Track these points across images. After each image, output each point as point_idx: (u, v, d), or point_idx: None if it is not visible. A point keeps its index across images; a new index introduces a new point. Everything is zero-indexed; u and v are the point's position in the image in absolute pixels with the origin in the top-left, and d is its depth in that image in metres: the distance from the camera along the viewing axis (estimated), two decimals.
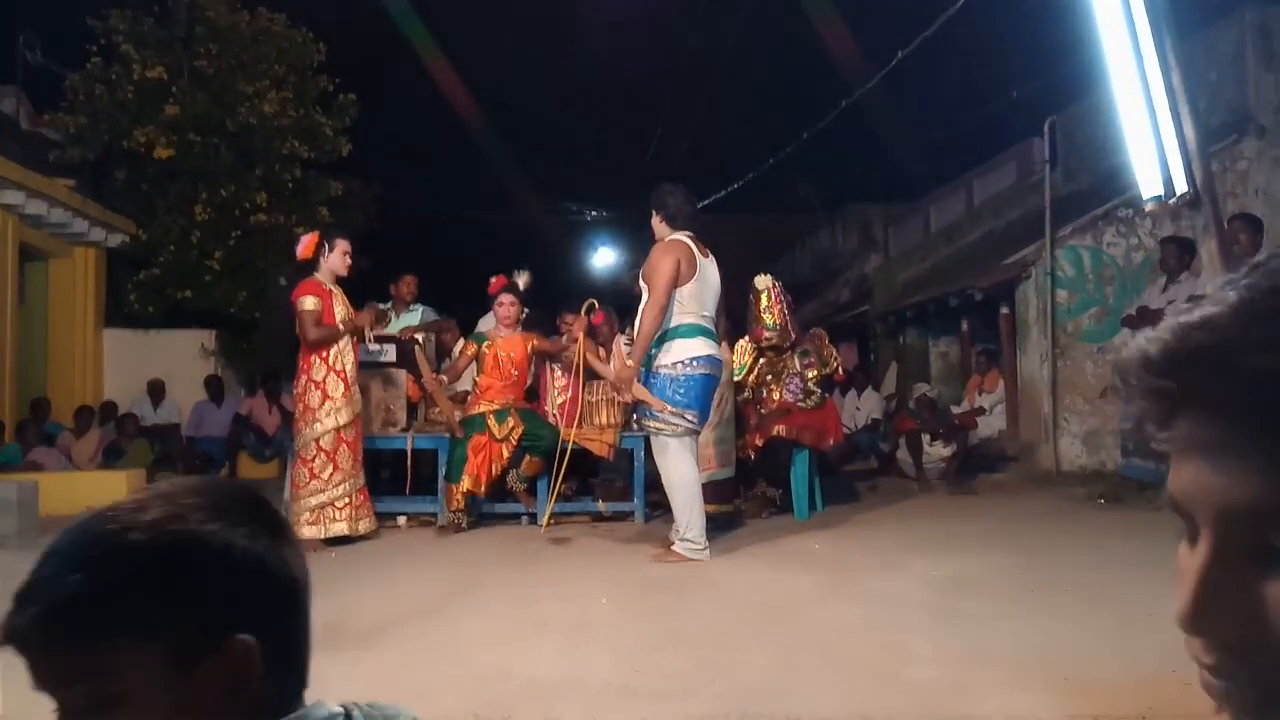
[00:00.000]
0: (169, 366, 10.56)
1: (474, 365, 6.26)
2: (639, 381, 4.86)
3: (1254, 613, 0.42)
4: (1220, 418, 0.42)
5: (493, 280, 6.35)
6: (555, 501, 6.07)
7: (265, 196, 11.11)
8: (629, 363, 4.89)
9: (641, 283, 4.84)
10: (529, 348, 6.26)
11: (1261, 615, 0.41)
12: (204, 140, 10.91)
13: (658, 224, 4.94)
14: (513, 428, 5.98)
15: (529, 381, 6.46)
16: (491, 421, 5.97)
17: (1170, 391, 0.44)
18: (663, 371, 4.74)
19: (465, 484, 5.86)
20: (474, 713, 2.50)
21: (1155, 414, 0.45)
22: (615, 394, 6.38)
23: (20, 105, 10.38)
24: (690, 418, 4.73)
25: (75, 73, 10.69)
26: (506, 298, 6.22)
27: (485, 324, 6.89)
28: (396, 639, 3.34)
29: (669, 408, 4.69)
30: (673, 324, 4.74)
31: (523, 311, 6.32)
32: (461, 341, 6.60)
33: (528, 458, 6.06)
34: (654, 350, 4.77)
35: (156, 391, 10.35)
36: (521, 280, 6.41)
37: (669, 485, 4.82)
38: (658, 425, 4.76)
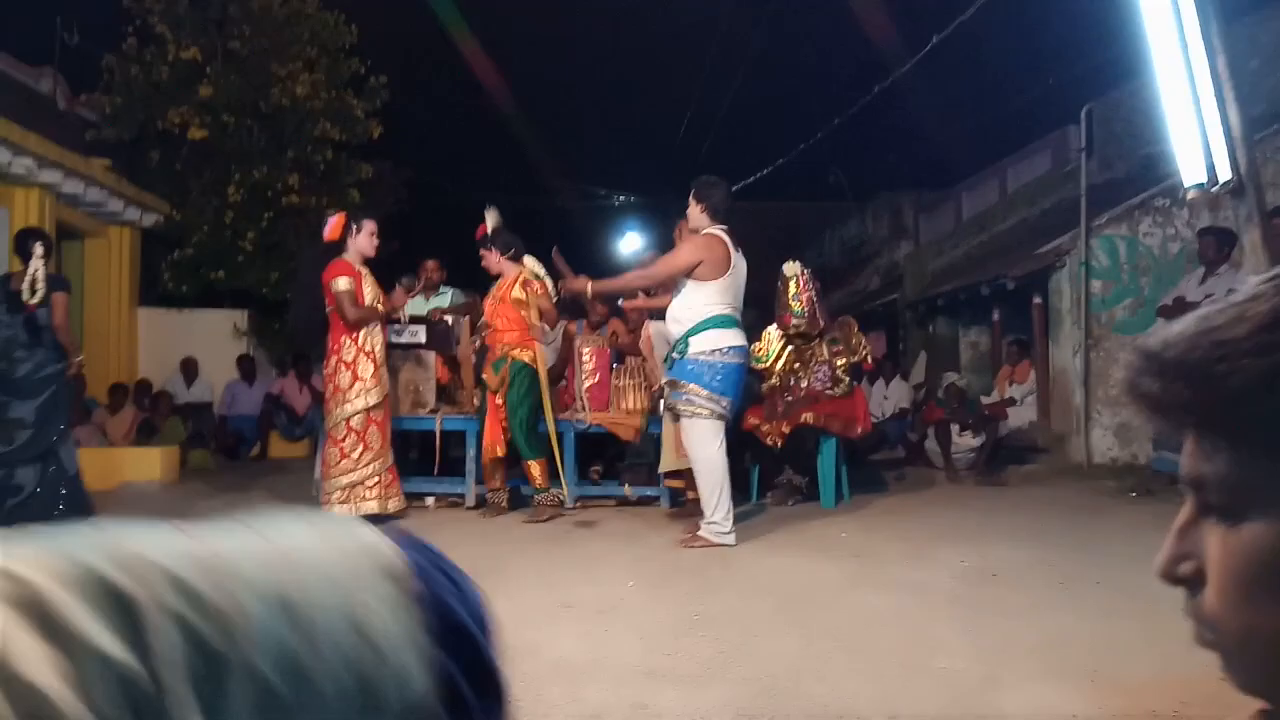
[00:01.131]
0: (202, 345, 10.68)
1: None
2: (670, 370, 4.99)
3: (1200, 553, 0.53)
4: (1164, 413, 0.52)
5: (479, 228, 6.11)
6: (580, 485, 6.10)
7: (297, 178, 11.20)
8: (589, 285, 5.34)
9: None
10: (514, 286, 5.85)
11: (1204, 554, 0.52)
12: (237, 121, 11.00)
13: (697, 213, 5.01)
14: (503, 379, 5.80)
15: (522, 320, 5.90)
16: (489, 373, 5.91)
17: (1140, 390, 0.53)
18: (701, 358, 4.81)
19: (493, 451, 5.86)
20: None
21: (1144, 410, 0.54)
22: (645, 378, 6.40)
23: (57, 85, 10.48)
24: (724, 404, 4.81)
25: (111, 53, 10.80)
26: (482, 252, 6.02)
27: None
28: None
29: (702, 390, 4.76)
30: (708, 315, 4.83)
31: (500, 255, 5.91)
32: None
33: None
34: (689, 338, 4.84)
35: (189, 370, 10.49)
36: (490, 219, 6.05)
37: (697, 468, 4.89)
38: (692, 408, 4.80)
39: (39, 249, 5.29)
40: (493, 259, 5.94)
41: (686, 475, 5.88)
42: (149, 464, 7.59)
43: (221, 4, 11.08)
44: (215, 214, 10.96)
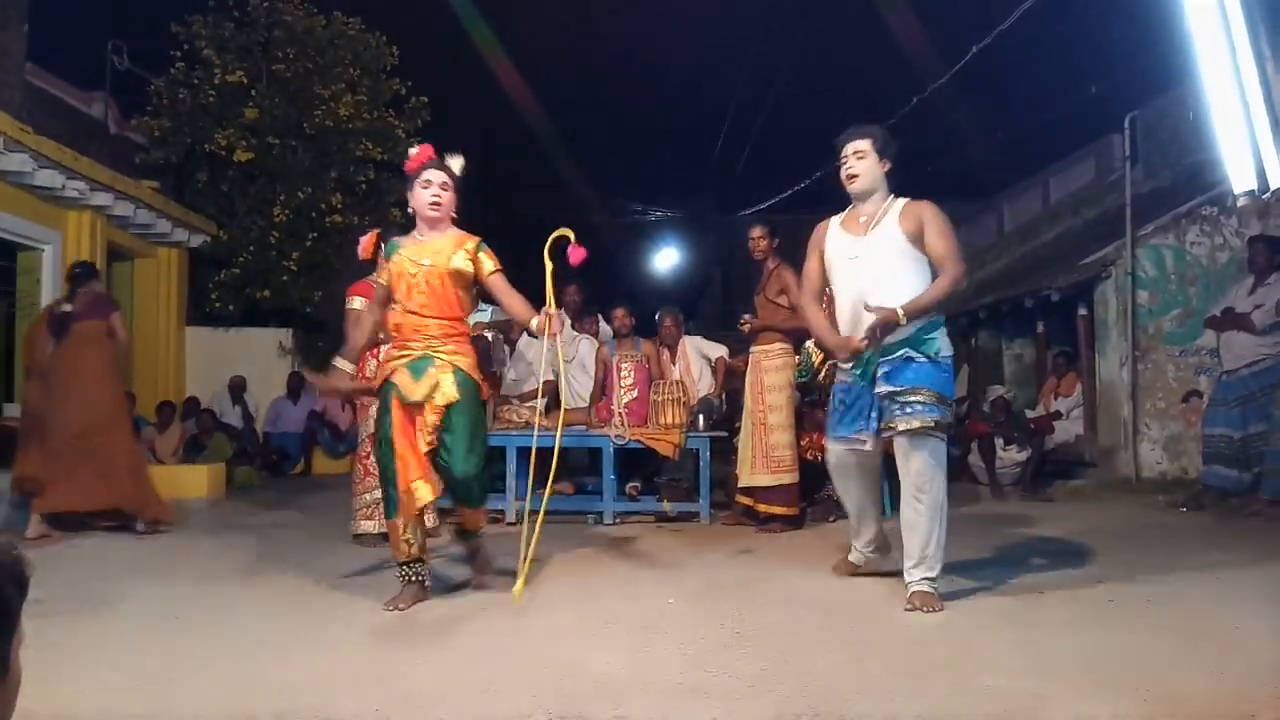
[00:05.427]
0: (248, 364, 10.87)
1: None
2: (898, 377, 3.62)
3: None
4: None
5: (411, 154, 4.07)
6: (618, 501, 6.10)
7: (340, 198, 11.36)
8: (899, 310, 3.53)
9: (907, 240, 3.70)
10: (458, 252, 3.94)
11: None
12: (282, 143, 11.20)
13: (883, 172, 3.88)
14: (434, 385, 3.77)
15: (466, 313, 4.13)
16: (404, 378, 3.81)
17: None
18: (947, 360, 3.65)
19: (421, 495, 3.72)
20: (545, 708, 2.51)
21: None
22: (680, 393, 6.38)
23: (109, 110, 10.76)
24: None
25: (160, 78, 11.06)
26: (436, 175, 3.94)
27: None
28: (465, 634, 3.39)
29: (950, 401, 3.69)
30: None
31: (454, 202, 4.05)
32: None
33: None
34: (936, 333, 3.64)
35: (236, 388, 10.66)
36: (455, 164, 4.09)
37: (936, 503, 3.59)
38: (945, 423, 3.61)
39: None
40: (449, 199, 4.00)
41: (758, 492, 5.86)
42: (196, 481, 7.71)
43: (266, 27, 11.32)
44: (261, 234, 11.15)
